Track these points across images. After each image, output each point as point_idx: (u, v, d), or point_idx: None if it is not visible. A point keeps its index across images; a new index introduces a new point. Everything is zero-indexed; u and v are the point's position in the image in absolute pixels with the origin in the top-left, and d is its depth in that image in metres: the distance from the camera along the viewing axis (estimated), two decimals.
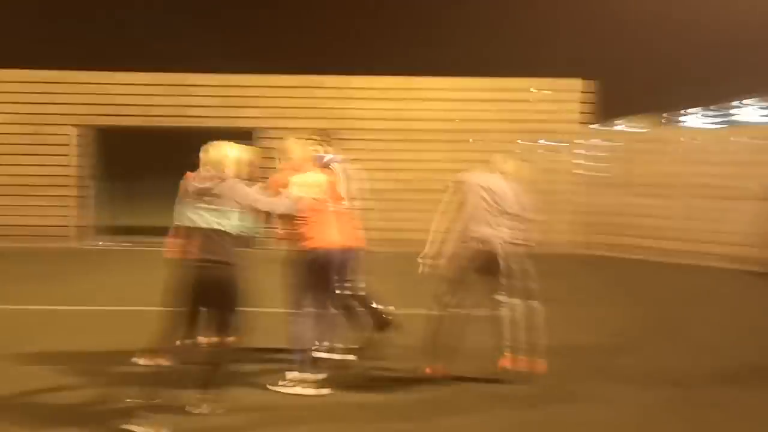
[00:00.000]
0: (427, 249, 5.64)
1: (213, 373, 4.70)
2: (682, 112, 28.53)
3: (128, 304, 8.05)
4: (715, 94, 27.18)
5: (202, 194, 4.62)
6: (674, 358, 6.35)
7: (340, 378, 5.34)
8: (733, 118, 25.78)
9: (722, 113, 26.62)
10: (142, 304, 7.92)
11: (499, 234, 5.57)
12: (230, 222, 4.60)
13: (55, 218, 12.77)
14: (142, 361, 5.40)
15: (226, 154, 4.73)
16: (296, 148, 5.59)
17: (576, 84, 13.08)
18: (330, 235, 5.28)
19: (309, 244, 5.24)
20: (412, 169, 12.94)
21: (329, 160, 5.73)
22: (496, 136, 12.92)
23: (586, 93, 13.09)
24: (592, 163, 13.06)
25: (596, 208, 12.73)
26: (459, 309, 5.59)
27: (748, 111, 25.36)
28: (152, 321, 4.85)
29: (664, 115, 28.94)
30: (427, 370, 5.55)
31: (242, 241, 4.76)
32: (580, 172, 12.97)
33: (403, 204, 12.85)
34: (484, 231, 5.55)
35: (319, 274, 5.25)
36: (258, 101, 12.93)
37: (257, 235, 4.97)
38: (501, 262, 5.55)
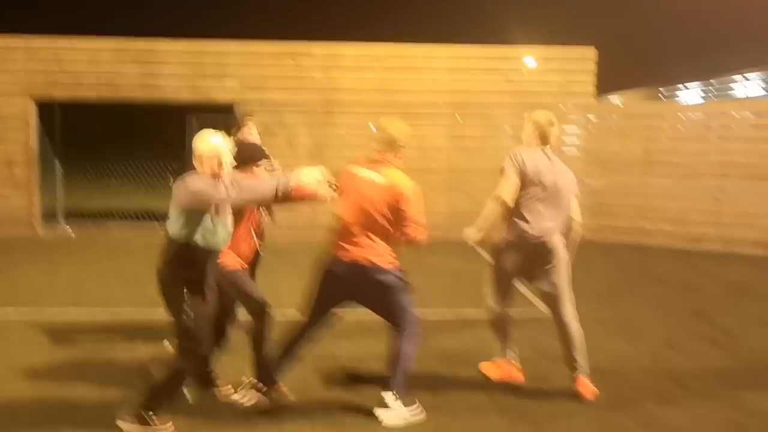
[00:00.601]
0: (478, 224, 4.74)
1: (164, 388, 4.06)
2: (681, 86, 27.60)
3: (91, 304, 6.88)
4: (712, 67, 26.26)
5: None
6: (730, 368, 5.42)
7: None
8: (734, 92, 24.91)
9: (722, 87, 25.72)
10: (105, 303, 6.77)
11: (555, 227, 4.78)
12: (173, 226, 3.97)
13: (11, 202, 11.45)
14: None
15: (203, 147, 3.99)
16: (406, 131, 4.57)
17: (588, 53, 11.93)
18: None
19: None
20: (409, 146, 11.77)
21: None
22: (500, 110, 11.80)
23: (596, 63, 11.96)
24: (604, 140, 11.92)
25: (612, 189, 11.64)
26: (505, 310, 5.02)
27: (750, 85, 24.45)
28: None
29: (661, 89, 28.02)
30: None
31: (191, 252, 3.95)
32: (590, 149, 11.86)
33: None
34: (540, 225, 4.74)
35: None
36: (237, 71, 11.64)
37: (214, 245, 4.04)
38: (556, 261, 4.77)
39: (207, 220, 3.91)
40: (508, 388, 4.92)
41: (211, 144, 3.95)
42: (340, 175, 4.42)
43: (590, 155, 11.80)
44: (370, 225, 4.33)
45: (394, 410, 4.31)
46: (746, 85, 24.13)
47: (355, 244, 4.34)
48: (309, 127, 11.69)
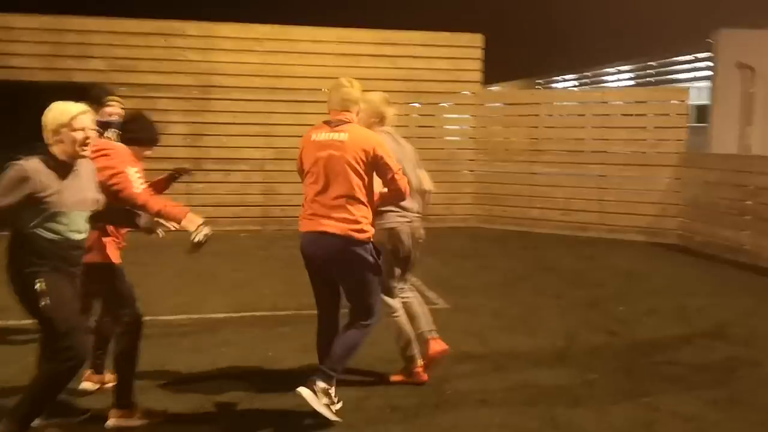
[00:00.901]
0: None
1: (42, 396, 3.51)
2: (557, 77, 28.49)
3: None
4: (586, 60, 27.28)
5: None
6: (629, 361, 5.32)
7: None
8: (607, 84, 25.94)
9: (595, 79, 26.74)
10: None
11: (404, 212, 4.61)
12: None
13: None
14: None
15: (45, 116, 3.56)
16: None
17: (475, 40, 11.83)
18: None
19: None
20: (291, 134, 11.23)
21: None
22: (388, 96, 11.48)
23: (482, 51, 11.89)
24: (491, 128, 11.92)
25: (498, 177, 11.62)
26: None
27: (621, 77, 25.60)
28: None
29: (538, 80, 28.83)
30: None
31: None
32: (478, 137, 11.79)
33: (281, 174, 11.08)
34: (399, 211, 4.58)
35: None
36: (102, 50, 10.64)
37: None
38: (406, 244, 4.62)
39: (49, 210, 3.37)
40: (407, 391, 4.56)
41: (51, 112, 3.44)
42: (300, 145, 4.15)
43: (477, 143, 11.74)
44: (342, 190, 3.96)
45: (320, 398, 3.91)
46: (618, 77, 25.22)
47: (326, 215, 3.96)
48: (184, 114, 10.90)
